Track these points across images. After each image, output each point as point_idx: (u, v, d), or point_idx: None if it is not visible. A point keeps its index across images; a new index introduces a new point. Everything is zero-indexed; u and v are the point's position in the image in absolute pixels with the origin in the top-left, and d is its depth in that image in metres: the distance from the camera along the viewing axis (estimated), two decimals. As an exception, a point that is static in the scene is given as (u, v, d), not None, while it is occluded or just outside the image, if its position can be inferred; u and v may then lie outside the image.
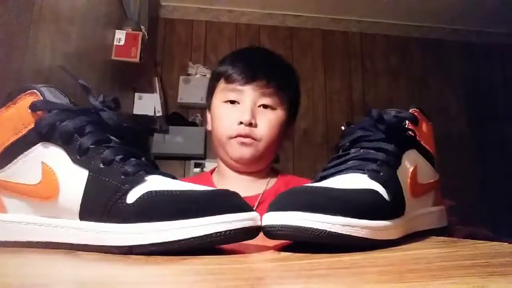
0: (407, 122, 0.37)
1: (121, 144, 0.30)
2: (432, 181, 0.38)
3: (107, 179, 0.27)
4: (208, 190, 0.27)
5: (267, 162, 0.69)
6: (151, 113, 1.82)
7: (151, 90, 1.93)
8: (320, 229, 0.25)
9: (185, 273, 0.21)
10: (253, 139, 0.63)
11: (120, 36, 1.44)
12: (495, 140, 2.47)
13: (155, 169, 0.30)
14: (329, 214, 0.25)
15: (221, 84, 0.67)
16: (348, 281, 0.18)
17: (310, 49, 2.51)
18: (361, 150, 0.33)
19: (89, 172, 0.27)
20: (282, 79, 0.66)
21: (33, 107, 0.30)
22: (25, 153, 0.29)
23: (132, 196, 0.26)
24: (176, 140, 2.03)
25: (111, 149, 0.29)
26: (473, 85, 2.58)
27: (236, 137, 0.63)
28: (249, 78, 0.64)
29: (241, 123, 0.62)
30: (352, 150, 0.34)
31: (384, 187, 0.30)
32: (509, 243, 0.28)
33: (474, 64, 2.62)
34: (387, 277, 0.19)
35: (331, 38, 2.56)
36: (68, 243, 0.28)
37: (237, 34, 2.47)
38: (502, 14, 2.39)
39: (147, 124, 1.95)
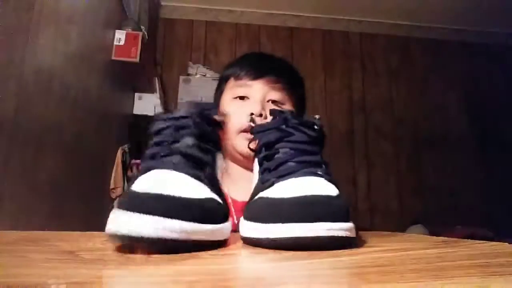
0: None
1: None
2: None
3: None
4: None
5: None
6: (151, 113, 1.81)
7: (151, 90, 1.93)
8: (314, 236, 0.27)
9: (184, 273, 0.21)
10: None
11: (120, 36, 1.44)
12: (495, 140, 2.48)
13: None
14: (325, 222, 0.27)
15: (230, 83, 0.68)
16: (349, 281, 0.18)
17: (310, 49, 2.51)
18: (291, 151, 0.35)
19: None
20: (290, 76, 0.68)
21: None
22: None
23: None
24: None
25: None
26: (473, 85, 2.58)
27: (244, 131, 0.63)
28: (259, 74, 0.65)
29: (251, 114, 0.62)
30: (282, 150, 0.36)
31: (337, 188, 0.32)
32: (509, 243, 0.28)
33: (474, 64, 2.62)
34: (388, 277, 0.19)
35: (331, 38, 2.56)
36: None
37: (237, 34, 2.47)
38: (502, 14, 2.40)
39: (147, 124, 1.95)
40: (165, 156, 0.32)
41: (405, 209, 2.33)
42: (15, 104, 0.70)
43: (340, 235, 0.27)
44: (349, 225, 0.29)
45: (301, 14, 2.53)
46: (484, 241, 0.30)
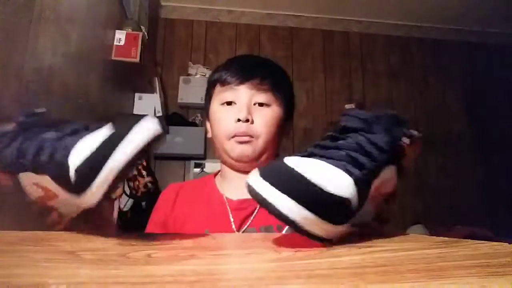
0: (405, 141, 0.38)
1: None
2: (389, 191, 0.40)
3: None
4: None
5: (267, 161, 0.70)
6: (151, 113, 1.81)
7: (151, 90, 1.93)
8: (287, 216, 0.28)
9: (185, 273, 0.21)
10: (251, 136, 0.64)
11: (120, 36, 1.44)
12: (495, 140, 2.47)
13: None
14: (301, 206, 0.28)
15: (217, 89, 0.69)
16: (348, 281, 0.18)
17: (310, 49, 2.51)
18: (355, 145, 0.34)
19: None
20: (275, 77, 0.69)
21: None
22: None
23: None
24: (176, 140, 2.02)
25: None
26: (473, 85, 2.59)
27: (234, 136, 0.65)
28: (244, 78, 0.66)
29: (238, 120, 0.64)
30: (349, 140, 0.35)
31: (357, 195, 0.31)
32: (509, 243, 0.28)
33: (474, 64, 2.62)
34: (388, 277, 0.19)
35: (331, 38, 2.56)
36: None
37: (237, 34, 2.47)
38: (502, 14, 2.40)
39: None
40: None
41: (405, 209, 2.33)
42: (15, 104, 0.70)
43: (311, 230, 0.28)
44: (325, 224, 0.29)
45: (301, 14, 2.53)
46: (484, 241, 0.30)
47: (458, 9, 2.40)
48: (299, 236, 0.29)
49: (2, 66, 0.66)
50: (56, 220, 0.41)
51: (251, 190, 0.30)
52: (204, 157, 2.11)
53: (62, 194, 0.35)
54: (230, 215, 0.63)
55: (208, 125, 0.73)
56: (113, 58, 1.42)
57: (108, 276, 0.20)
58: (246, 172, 0.68)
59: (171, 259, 0.25)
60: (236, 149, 0.65)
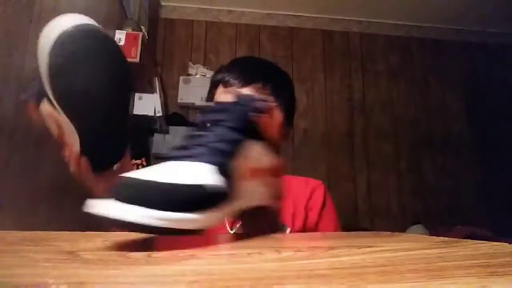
0: (254, 113, 0.39)
1: None
2: (267, 166, 0.42)
3: None
4: None
5: None
6: (151, 113, 1.81)
7: (151, 90, 1.93)
8: (145, 224, 0.27)
9: (184, 273, 0.21)
10: None
11: (120, 36, 1.44)
12: (495, 140, 2.48)
13: None
14: (154, 209, 0.27)
15: (220, 89, 0.70)
16: (349, 281, 0.18)
17: (310, 49, 2.51)
18: (212, 136, 0.35)
19: None
20: (277, 82, 0.70)
21: None
22: None
23: None
24: (176, 140, 2.02)
25: None
26: (473, 85, 2.59)
27: None
28: (246, 81, 0.67)
29: None
30: (205, 134, 0.36)
31: (225, 178, 0.32)
32: (509, 243, 0.28)
33: (474, 64, 2.62)
34: (388, 277, 0.19)
35: (331, 38, 2.56)
36: None
37: (237, 34, 2.47)
38: (502, 14, 2.40)
39: (147, 124, 1.95)
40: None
41: (405, 209, 2.33)
42: (15, 103, 0.70)
43: (151, 223, 0.27)
44: (168, 214, 0.28)
45: (301, 14, 2.53)
46: (484, 241, 0.30)
47: (458, 9, 2.40)
48: (300, 236, 0.29)
49: (3, 66, 0.66)
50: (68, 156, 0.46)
51: (99, 216, 0.27)
52: (204, 157, 2.11)
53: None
54: None
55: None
56: (113, 58, 1.42)
57: (108, 276, 0.20)
58: None
59: (171, 259, 0.25)
60: None
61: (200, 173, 0.32)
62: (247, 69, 0.70)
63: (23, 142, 0.74)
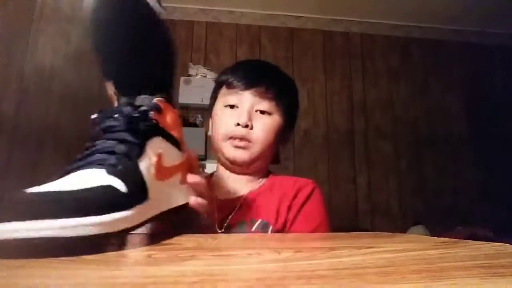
0: (151, 112, 0.38)
1: None
2: (178, 163, 0.41)
3: None
4: None
5: (262, 165, 0.72)
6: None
7: (151, 90, 1.92)
8: (51, 237, 0.24)
9: (185, 273, 0.21)
10: (248, 141, 0.66)
11: (120, 37, 1.44)
12: (495, 141, 2.47)
13: None
14: (60, 218, 0.25)
15: (223, 91, 0.71)
16: (349, 282, 0.18)
17: (311, 50, 2.51)
18: (108, 142, 0.34)
19: None
20: (280, 87, 0.70)
21: None
22: None
23: None
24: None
25: None
26: (473, 86, 2.59)
27: (231, 138, 0.66)
28: (249, 84, 0.67)
29: (238, 124, 0.65)
30: (98, 142, 0.34)
31: (121, 180, 0.31)
32: (511, 244, 0.28)
33: (474, 64, 2.62)
34: (388, 278, 0.19)
35: (332, 38, 2.56)
36: None
37: (238, 35, 2.48)
38: (502, 14, 2.40)
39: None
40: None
41: (406, 209, 2.33)
42: (16, 104, 0.70)
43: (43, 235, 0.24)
44: (101, 218, 0.26)
45: (301, 15, 2.53)
46: (485, 242, 0.30)
47: (458, 9, 2.40)
48: (300, 237, 0.29)
49: (3, 65, 0.66)
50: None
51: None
52: (204, 158, 2.11)
53: None
54: (215, 215, 0.64)
55: (211, 122, 0.75)
56: (114, 58, 1.42)
57: (108, 277, 0.20)
58: (238, 173, 0.70)
59: (171, 259, 0.25)
60: (231, 152, 0.67)
61: (92, 178, 0.30)
62: (251, 72, 0.70)
63: (24, 142, 0.74)
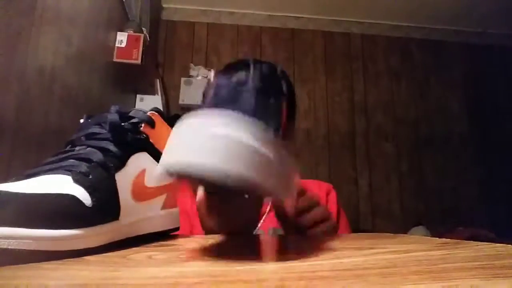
0: (142, 124, 0.35)
1: None
2: (163, 184, 0.37)
3: None
4: None
5: None
6: (152, 115, 1.82)
7: (152, 92, 1.93)
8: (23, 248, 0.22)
9: (185, 274, 0.21)
10: None
11: (121, 38, 1.44)
12: (496, 141, 2.47)
13: None
14: (24, 227, 0.22)
15: None
16: (350, 283, 0.18)
17: (311, 51, 2.51)
18: (87, 149, 0.31)
19: None
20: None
21: None
22: None
23: None
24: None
25: None
26: (474, 86, 2.58)
27: None
28: None
29: None
30: (77, 147, 0.32)
31: (88, 191, 0.27)
32: (512, 244, 0.28)
33: (475, 65, 2.62)
34: (390, 279, 0.19)
35: (332, 39, 2.56)
36: None
37: (239, 36, 2.48)
38: (503, 15, 2.39)
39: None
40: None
41: (407, 210, 2.33)
42: (17, 106, 0.70)
43: None
44: (47, 232, 0.23)
45: (302, 15, 2.53)
46: (487, 243, 0.30)
47: (458, 10, 2.40)
48: (301, 238, 0.29)
49: (4, 68, 0.66)
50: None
51: None
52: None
53: None
54: None
55: None
56: (115, 59, 1.42)
57: (108, 277, 0.20)
58: None
59: (172, 260, 0.25)
60: None
61: (53, 184, 0.27)
62: None
63: (25, 143, 0.74)
